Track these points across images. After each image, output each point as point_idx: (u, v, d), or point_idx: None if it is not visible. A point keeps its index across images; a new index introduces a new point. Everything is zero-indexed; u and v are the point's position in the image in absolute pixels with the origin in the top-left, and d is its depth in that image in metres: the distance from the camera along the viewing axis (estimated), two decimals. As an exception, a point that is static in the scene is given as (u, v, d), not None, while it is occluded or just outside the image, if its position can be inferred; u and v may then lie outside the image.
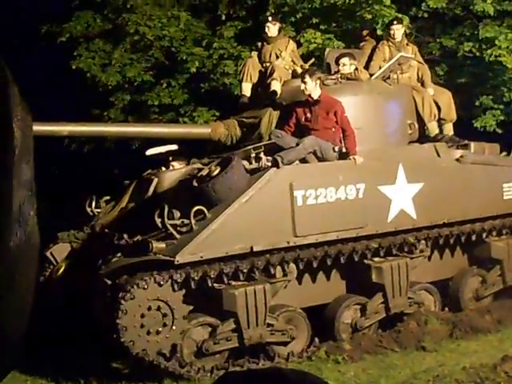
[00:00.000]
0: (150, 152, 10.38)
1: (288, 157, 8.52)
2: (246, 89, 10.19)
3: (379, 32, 12.94)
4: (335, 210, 8.69)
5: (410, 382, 7.70)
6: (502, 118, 15.15)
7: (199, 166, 9.44)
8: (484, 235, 10.28)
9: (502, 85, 14.94)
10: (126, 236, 8.50)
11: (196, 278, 7.86)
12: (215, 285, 8.12)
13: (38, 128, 8.66)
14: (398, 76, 10.49)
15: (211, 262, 8.00)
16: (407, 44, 10.93)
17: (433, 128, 10.59)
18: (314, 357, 8.53)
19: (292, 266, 8.61)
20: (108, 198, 10.12)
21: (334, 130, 9.00)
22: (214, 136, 9.87)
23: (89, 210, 9.98)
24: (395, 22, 11.06)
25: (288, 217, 8.40)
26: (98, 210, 9.91)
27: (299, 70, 10.18)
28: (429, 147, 10.05)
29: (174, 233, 7.96)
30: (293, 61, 10.37)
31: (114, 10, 16.14)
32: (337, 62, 10.11)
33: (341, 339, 8.94)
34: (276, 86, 9.72)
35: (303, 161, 8.80)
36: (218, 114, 15.00)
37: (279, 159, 8.40)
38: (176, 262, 7.69)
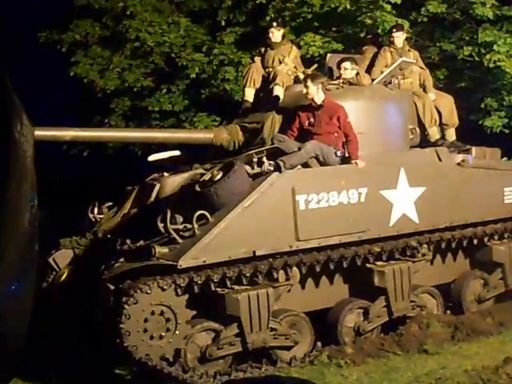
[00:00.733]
0: (152, 158, 10.38)
1: (290, 161, 8.55)
2: (249, 94, 10.22)
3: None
4: (337, 214, 8.71)
5: None
6: (506, 120, 15.21)
7: (201, 171, 9.47)
8: (485, 239, 10.31)
9: (501, 89, 14.99)
10: (128, 241, 8.54)
11: (199, 282, 7.87)
12: (218, 289, 8.13)
13: (41, 133, 8.71)
14: (400, 81, 10.51)
15: (214, 267, 8.01)
16: (409, 50, 10.96)
17: (433, 133, 10.62)
18: (316, 361, 8.52)
19: (295, 270, 8.62)
20: (110, 203, 10.12)
21: (336, 134, 9.03)
22: (216, 141, 9.90)
23: (91, 216, 9.98)
24: (394, 30, 11.09)
25: (290, 221, 8.42)
26: (101, 216, 9.92)
27: (301, 76, 10.21)
28: (430, 152, 10.08)
29: (177, 237, 7.98)
30: (295, 66, 10.39)
31: (113, 18, 16.18)
32: (338, 67, 10.14)
33: (344, 343, 8.96)
34: (279, 91, 9.75)
35: (305, 165, 8.83)
36: (218, 119, 15.04)
37: (281, 164, 8.42)
38: (179, 267, 7.71)
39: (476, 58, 14.80)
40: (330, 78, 10.47)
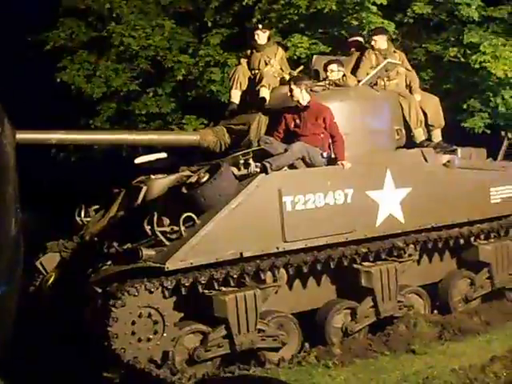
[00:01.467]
0: (138, 160, 10.37)
1: (276, 163, 8.56)
2: (235, 96, 10.23)
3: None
4: (324, 215, 8.73)
5: None
6: (489, 121, 15.26)
7: (188, 173, 9.48)
8: (472, 239, 10.36)
9: (487, 90, 15.05)
10: (115, 244, 8.53)
11: (186, 284, 7.86)
12: (205, 291, 8.13)
13: (26, 136, 8.70)
14: (386, 83, 10.57)
15: (201, 269, 8.01)
16: (394, 51, 10.98)
17: (419, 134, 10.64)
18: (304, 362, 8.50)
19: (282, 271, 8.64)
20: (97, 206, 10.11)
21: (322, 135, 9.06)
22: (202, 143, 9.90)
23: (78, 219, 9.97)
24: (372, 34, 11.13)
25: (277, 222, 8.44)
26: (88, 219, 9.91)
27: (287, 78, 10.25)
28: (416, 152, 10.13)
29: (164, 240, 7.98)
30: (281, 68, 10.42)
31: (98, 18, 16.16)
32: (325, 69, 10.19)
33: (331, 344, 8.97)
34: (265, 92, 9.78)
35: (292, 167, 8.85)
36: (205, 121, 15.03)
37: (268, 165, 8.44)
38: (166, 269, 7.70)
39: (462, 59, 14.86)
40: (317, 79, 10.52)
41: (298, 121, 9.13)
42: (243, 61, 10.54)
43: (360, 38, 11.80)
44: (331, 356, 8.54)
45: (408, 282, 9.79)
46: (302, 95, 9.09)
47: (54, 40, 16.24)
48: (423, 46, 15.59)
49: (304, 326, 8.93)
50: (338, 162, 9.02)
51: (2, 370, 7.31)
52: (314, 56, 11.16)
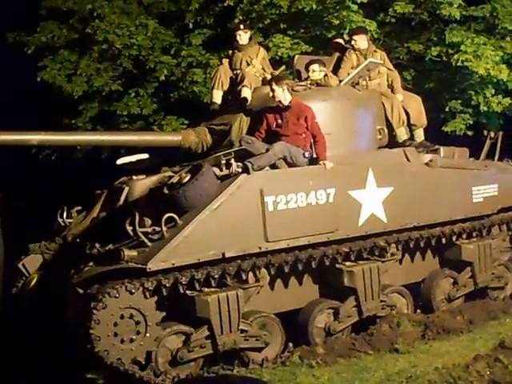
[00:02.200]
0: (120, 161, 10.34)
1: (258, 163, 8.57)
2: (217, 96, 10.23)
3: (346, 38, 13.03)
4: (306, 214, 8.74)
5: None
6: (470, 121, 15.31)
7: (170, 173, 9.47)
8: (454, 238, 10.39)
9: (469, 88, 15.11)
10: (97, 245, 8.50)
11: (168, 285, 7.87)
12: (188, 292, 8.13)
13: (7, 138, 8.68)
14: (368, 82, 10.58)
15: (183, 269, 8.00)
16: (375, 51, 10.97)
17: (401, 134, 10.64)
18: (287, 362, 8.53)
19: (264, 271, 8.65)
20: (79, 208, 10.09)
21: (304, 135, 9.06)
22: (184, 143, 9.89)
23: (60, 220, 9.94)
24: (352, 33, 11.16)
25: (259, 222, 8.44)
26: (70, 221, 9.88)
27: (269, 77, 10.25)
28: (398, 152, 10.15)
29: (146, 240, 7.98)
30: (263, 68, 10.42)
31: (80, 20, 16.10)
32: (306, 69, 10.19)
33: (314, 344, 8.98)
34: (246, 92, 9.77)
35: (273, 166, 8.85)
36: (187, 122, 15.03)
37: (249, 165, 8.44)
38: (148, 270, 7.69)
39: (444, 59, 14.90)
40: (299, 79, 10.54)
41: (279, 121, 9.13)
42: (225, 61, 10.53)
43: (341, 40, 11.81)
44: (315, 356, 8.55)
45: (391, 281, 9.83)
46: (283, 95, 9.09)
47: (35, 43, 16.17)
48: (405, 45, 15.61)
49: (287, 326, 8.93)
50: (320, 162, 9.02)
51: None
52: (296, 56, 11.16)
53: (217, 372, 8.31)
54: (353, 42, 10.91)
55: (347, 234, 9.14)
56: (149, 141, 10.03)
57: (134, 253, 7.89)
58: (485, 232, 10.77)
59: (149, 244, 7.97)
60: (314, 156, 9.17)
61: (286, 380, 8.02)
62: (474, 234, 10.64)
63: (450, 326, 9.42)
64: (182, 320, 8.23)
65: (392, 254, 9.70)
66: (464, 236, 10.51)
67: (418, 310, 10.18)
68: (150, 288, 7.80)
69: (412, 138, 10.93)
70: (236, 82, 10.14)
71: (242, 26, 10.62)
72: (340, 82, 10.28)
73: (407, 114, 10.82)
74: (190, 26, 15.67)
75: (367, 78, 10.54)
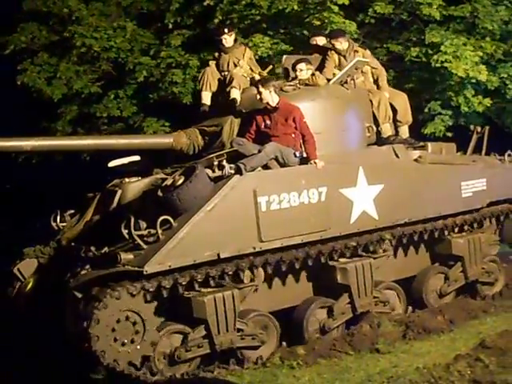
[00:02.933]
0: (112, 164, 10.40)
1: (250, 164, 8.65)
2: (206, 98, 10.29)
3: None
4: (299, 214, 8.84)
5: None
6: (450, 123, 15.37)
7: (162, 176, 9.54)
8: (444, 233, 10.53)
9: (448, 89, 15.22)
10: (93, 249, 8.59)
11: (167, 286, 7.99)
12: (184, 293, 8.22)
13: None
14: (354, 81, 10.65)
15: (179, 271, 8.09)
16: (356, 50, 10.92)
17: (386, 129, 10.71)
18: (268, 363, 8.58)
19: (259, 270, 8.74)
20: (72, 211, 10.13)
21: (293, 135, 9.14)
22: (176, 145, 9.95)
23: (54, 224, 9.98)
24: (330, 37, 11.20)
25: (253, 223, 8.54)
26: (63, 224, 9.93)
27: (257, 78, 10.34)
28: (387, 149, 10.25)
29: (141, 243, 8.04)
30: (251, 68, 10.49)
31: (59, 22, 16.04)
32: (294, 68, 10.27)
33: (310, 341, 9.08)
34: (235, 93, 9.85)
35: (265, 167, 8.93)
36: (167, 124, 15.05)
37: (242, 166, 8.52)
38: (145, 272, 7.78)
39: (423, 59, 14.95)
40: (286, 79, 10.61)
41: (268, 122, 9.20)
42: (212, 63, 10.59)
43: (318, 41, 11.77)
44: (295, 357, 8.60)
45: (383, 277, 9.94)
46: (270, 97, 9.17)
47: (14, 43, 16.11)
48: (385, 46, 15.67)
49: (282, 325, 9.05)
50: (311, 161, 9.11)
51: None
52: (284, 56, 11.20)
53: (212, 371, 8.44)
54: (332, 45, 10.96)
55: (340, 232, 9.25)
56: (141, 144, 10.08)
57: (130, 256, 7.97)
58: (475, 226, 10.90)
59: (144, 247, 8.04)
60: (304, 155, 9.25)
61: (267, 381, 8.08)
62: (464, 229, 10.77)
63: (430, 325, 9.43)
64: (179, 320, 8.33)
65: (384, 251, 9.81)
66: (454, 231, 10.65)
67: (410, 307, 10.33)
68: (151, 290, 7.91)
69: (397, 134, 11.00)
70: (224, 84, 10.21)
71: (226, 30, 10.66)
72: (328, 80, 10.36)
73: (394, 110, 10.91)
74: (170, 26, 15.68)
75: (354, 77, 10.60)
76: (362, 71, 10.73)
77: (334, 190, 9.16)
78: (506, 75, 15.46)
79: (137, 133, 15.07)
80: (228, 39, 10.51)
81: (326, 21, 13.57)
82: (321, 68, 10.69)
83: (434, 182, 10.30)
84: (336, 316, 9.33)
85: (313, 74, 10.12)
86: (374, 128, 10.50)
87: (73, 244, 9.29)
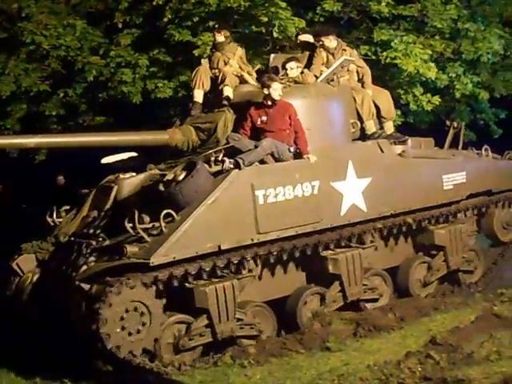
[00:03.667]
0: (106, 160, 10.63)
1: (249, 158, 8.98)
2: (199, 95, 10.53)
3: (275, 35, 13.50)
4: (293, 206, 9.22)
5: (316, 382, 7.87)
6: (399, 122, 15.48)
7: (157, 171, 9.84)
8: (427, 224, 10.97)
9: (397, 87, 15.36)
10: (94, 242, 8.86)
11: (172, 277, 8.33)
12: (186, 284, 8.54)
13: (5, 141, 8.96)
14: (338, 79, 11.01)
15: (182, 262, 8.40)
16: (344, 49, 11.29)
17: (370, 126, 11.01)
18: (219, 362, 8.67)
19: (257, 261, 9.09)
20: (67, 207, 10.36)
21: (288, 131, 9.49)
22: (171, 142, 10.23)
23: (50, 220, 10.19)
24: (319, 34, 11.53)
25: (251, 215, 8.88)
26: (60, 220, 10.15)
27: (246, 76, 10.67)
28: (372, 144, 10.62)
29: (145, 236, 8.32)
30: (240, 67, 10.80)
31: (8, 19, 15.85)
32: (284, 67, 10.59)
33: (304, 329, 9.45)
34: (228, 91, 10.15)
35: (261, 162, 9.27)
36: (116, 123, 14.92)
37: (241, 161, 8.86)
38: (151, 264, 8.07)
39: (373, 57, 14.88)
40: (275, 77, 10.94)
41: (264, 117, 9.53)
42: (205, 61, 10.86)
43: (307, 37, 12.12)
44: (247, 355, 8.69)
45: (371, 266, 10.35)
46: (279, 91, 9.54)
47: None
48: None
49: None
50: (304, 156, 9.49)
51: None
52: (272, 55, 11.51)
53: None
54: (321, 42, 11.30)
55: (331, 224, 9.65)
56: (137, 140, 10.32)
57: (135, 249, 8.27)
58: (456, 217, 11.38)
59: (148, 240, 8.31)
60: (297, 151, 9.61)
61: (219, 380, 8.19)
62: (446, 220, 11.22)
63: (381, 323, 9.50)
64: (182, 311, 8.66)
65: (372, 241, 10.24)
66: (436, 222, 11.09)
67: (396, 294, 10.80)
68: (154, 280, 8.21)
69: (382, 129, 11.38)
70: (217, 82, 10.50)
71: (216, 29, 11.01)
72: (316, 78, 10.69)
73: (377, 107, 11.30)
74: (119, 25, 15.46)
75: (338, 75, 10.96)
76: (348, 69, 11.07)
77: (325, 184, 9.54)
78: (454, 74, 15.62)
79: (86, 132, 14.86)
80: (218, 37, 10.83)
81: (274, 17, 13.51)
82: (309, 65, 11.01)
83: (417, 176, 10.74)
84: (328, 304, 9.71)
85: (302, 72, 10.46)
86: (359, 124, 10.86)
87: (72, 239, 9.50)
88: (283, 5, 13.50)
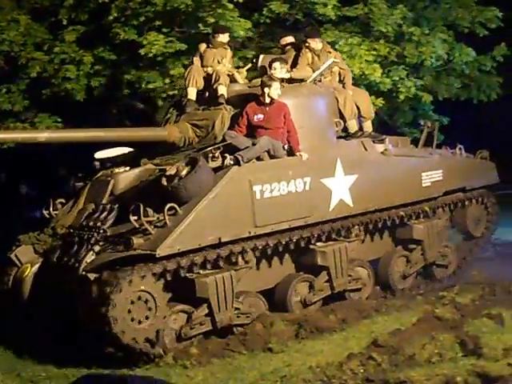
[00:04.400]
0: (99, 155, 10.93)
1: (248, 155, 9.43)
2: (192, 93, 10.88)
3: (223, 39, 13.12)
4: (287, 201, 9.69)
5: (258, 383, 7.95)
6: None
7: (151, 166, 10.21)
8: (407, 219, 11.54)
9: None
10: (96, 234, 9.19)
11: (178, 267, 8.74)
12: (187, 274, 8.93)
13: (15, 135, 9.24)
14: (322, 80, 11.49)
15: (184, 254, 8.79)
16: (329, 51, 11.79)
17: (352, 125, 11.48)
18: (161, 362, 8.68)
19: (252, 253, 9.54)
20: (62, 200, 10.65)
21: (282, 130, 9.96)
22: (169, 138, 10.59)
23: (46, 212, 10.50)
24: (306, 36, 11.97)
25: (249, 209, 9.33)
26: (56, 212, 10.45)
27: (237, 75, 11.10)
28: (357, 142, 11.14)
29: (149, 229, 8.67)
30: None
31: None
32: (270, 67, 11.02)
33: (293, 312, 9.96)
34: (223, 90, 10.55)
35: (257, 158, 9.70)
36: (60, 120, 14.92)
37: (240, 158, 9.29)
38: (157, 255, 8.45)
39: None
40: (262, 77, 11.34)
41: (260, 115, 9.97)
42: (197, 60, 11.17)
43: (289, 39, 12.55)
44: (188, 356, 8.70)
45: (355, 258, 10.85)
46: (278, 91, 10.01)
47: None
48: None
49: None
50: (297, 154, 9.96)
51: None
52: (261, 55, 11.90)
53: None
54: (307, 44, 11.76)
55: (321, 218, 10.16)
56: (137, 136, 10.68)
57: (140, 240, 8.63)
58: (434, 213, 11.98)
59: (152, 232, 8.67)
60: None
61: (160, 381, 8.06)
62: (424, 215, 11.82)
63: (323, 324, 9.50)
64: (183, 301, 9.05)
65: (356, 235, 10.76)
66: (415, 217, 11.68)
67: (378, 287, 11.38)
68: (160, 271, 8.61)
69: (361, 129, 11.89)
70: (209, 80, 10.86)
71: (220, 30, 11.51)
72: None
73: (357, 107, 11.79)
74: (64, 22, 15.33)
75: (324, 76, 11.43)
76: (331, 71, 11.57)
77: (316, 180, 10.04)
78: (397, 78, 15.92)
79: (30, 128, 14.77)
80: (222, 37, 11.27)
81: (221, 18, 13.65)
82: (294, 64, 11.45)
83: (398, 173, 11.31)
84: (316, 292, 10.24)
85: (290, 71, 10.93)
86: (342, 123, 11.34)
87: (71, 230, 9.80)
88: (230, 6, 13.71)
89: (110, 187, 10.07)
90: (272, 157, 9.83)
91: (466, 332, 8.73)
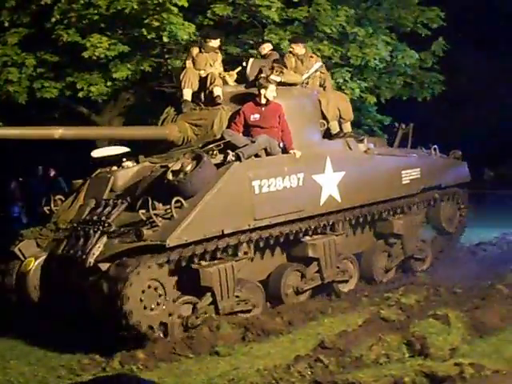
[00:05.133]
0: (96, 154, 11.37)
1: (247, 152, 9.99)
2: (188, 94, 11.34)
3: (165, 39, 14.07)
4: (283, 196, 10.27)
5: None
6: None
7: (149, 164, 10.70)
8: (387, 214, 12.23)
9: None
10: (101, 228, 9.62)
11: (182, 257, 9.24)
12: (192, 265, 9.45)
13: (30, 132, 9.67)
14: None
15: (191, 245, 9.29)
16: (311, 56, 12.43)
17: (335, 126, 12.07)
18: (108, 367, 8.65)
19: (251, 245, 10.09)
20: (61, 197, 11.07)
21: (276, 129, 10.56)
22: (169, 137, 11.08)
23: (46, 208, 10.91)
24: (291, 42, 12.53)
25: (249, 203, 9.87)
26: (56, 208, 10.86)
27: (227, 78, 11.63)
28: (342, 141, 11.79)
29: (157, 221, 9.14)
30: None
31: None
32: (260, 71, 11.55)
33: (286, 301, 10.59)
34: (219, 91, 11.09)
35: (255, 155, 10.27)
36: (0, 123, 14.55)
37: (241, 154, 9.85)
38: (167, 246, 8.92)
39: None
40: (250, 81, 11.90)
41: (256, 115, 10.56)
42: (189, 63, 11.66)
43: (271, 46, 13.12)
44: (135, 361, 8.66)
45: (341, 251, 11.49)
46: (274, 92, 10.62)
47: None
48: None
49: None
50: (290, 151, 10.56)
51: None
52: (251, 59, 12.37)
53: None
54: (291, 49, 12.37)
55: (312, 212, 10.76)
56: (140, 134, 11.18)
57: (149, 232, 9.10)
58: (411, 209, 12.67)
59: (159, 224, 9.14)
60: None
61: None
62: (404, 211, 12.51)
63: (269, 327, 9.55)
64: (188, 292, 9.54)
65: (343, 229, 11.38)
66: (396, 212, 12.38)
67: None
68: (170, 260, 9.10)
69: (341, 130, 12.50)
70: (205, 82, 11.36)
71: (213, 36, 11.99)
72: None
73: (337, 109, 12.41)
74: (6, 24, 15.23)
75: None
76: (314, 75, 12.19)
77: (308, 176, 10.64)
78: (341, 80, 16.46)
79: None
80: (215, 43, 11.83)
81: (165, 22, 13.76)
82: None
83: (380, 171, 12.01)
84: (307, 281, 10.84)
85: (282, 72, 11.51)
86: (326, 124, 11.96)
87: (75, 225, 10.23)
88: (175, 10, 13.85)
89: (109, 184, 10.54)
90: (268, 154, 10.40)
91: (413, 333, 8.73)
